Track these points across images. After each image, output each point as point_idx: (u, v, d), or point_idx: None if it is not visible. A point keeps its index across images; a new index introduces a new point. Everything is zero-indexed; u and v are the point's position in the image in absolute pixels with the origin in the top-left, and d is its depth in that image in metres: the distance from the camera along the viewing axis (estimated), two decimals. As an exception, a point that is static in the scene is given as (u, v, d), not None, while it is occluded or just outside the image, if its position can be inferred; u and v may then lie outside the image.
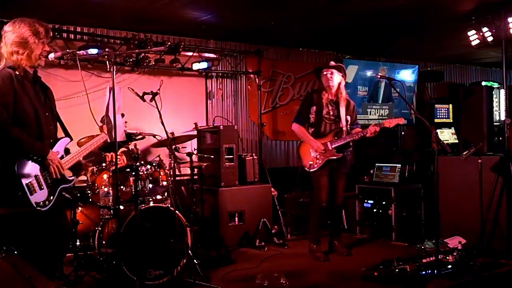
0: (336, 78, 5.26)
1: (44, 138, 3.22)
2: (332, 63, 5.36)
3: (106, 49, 3.46)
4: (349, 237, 6.28)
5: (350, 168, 5.42)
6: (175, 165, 5.32)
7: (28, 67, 3.21)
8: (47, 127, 3.26)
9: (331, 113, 5.26)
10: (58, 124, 3.47)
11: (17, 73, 3.13)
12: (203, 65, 6.63)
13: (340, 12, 5.85)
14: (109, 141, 3.66)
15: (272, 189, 6.41)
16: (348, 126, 5.29)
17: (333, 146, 5.17)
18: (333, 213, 5.46)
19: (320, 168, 5.19)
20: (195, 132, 6.10)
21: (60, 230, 3.57)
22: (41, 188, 3.14)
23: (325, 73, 5.28)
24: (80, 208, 4.76)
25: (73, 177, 3.43)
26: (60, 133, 3.45)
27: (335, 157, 5.17)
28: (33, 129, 3.16)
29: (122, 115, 3.88)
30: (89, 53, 3.61)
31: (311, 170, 5.23)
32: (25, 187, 3.03)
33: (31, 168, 3.11)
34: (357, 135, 5.17)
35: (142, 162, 4.69)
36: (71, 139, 3.46)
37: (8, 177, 3.01)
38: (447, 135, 7.55)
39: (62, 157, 3.31)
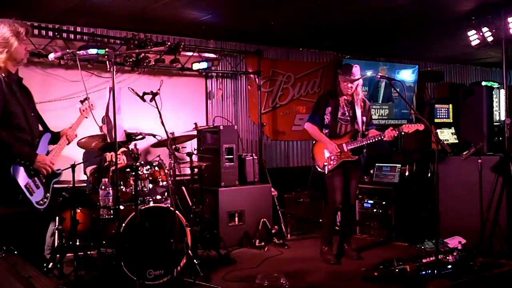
0: (355, 85, 5.09)
1: (34, 138, 3.29)
2: (356, 74, 5.05)
3: (106, 49, 3.48)
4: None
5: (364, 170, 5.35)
6: (175, 165, 5.32)
7: (11, 67, 3.25)
8: (35, 127, 3.35)
9: (347, 114, 5.13)
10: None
11: (3, 75, 3.17)
12: (203, 65, 6.62)
13: (340, 12, 5.85)
14: (109, 140, 3.69)
15: (272, 189, 6.41)
16: (364, 127, 5.18)
17: (348, 148, 5.06)
18: (344, 216, 5.39)
19: (334, 169, 5.09)
20: (195, 132, 6.10)
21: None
22: (38, 188, 3.23)
23: (345, 83, 5.07)
24: (80, 208, 4.76)
25: (60, 170, 3.54)
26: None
27: (350, 159, 5.08)
28: (25, 129, 3.23)
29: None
30: (89, 53, 3.62)
31: (325, 172, 5.11)
32: (24, 190, 3.09)
33: (25, 170, 3.16)
34: (374, 138, 5.02)
35: (142, 162, 4.69)
36: (51, 133, 3.55)
37: (6, 180, 3.06)
38: (447, 135, 7.54)
39: (48, 153, 3.41)
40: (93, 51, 3.94)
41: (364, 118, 5.20)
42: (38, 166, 3.24)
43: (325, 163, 5.12)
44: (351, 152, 5.07)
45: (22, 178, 3.13)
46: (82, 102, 3.98)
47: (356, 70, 5.11)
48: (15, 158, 3.14)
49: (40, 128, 3.52)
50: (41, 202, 3.22)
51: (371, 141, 5.05)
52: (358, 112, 5.14)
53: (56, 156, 3.49)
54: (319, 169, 5.19)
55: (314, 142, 5.30)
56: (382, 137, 4.97)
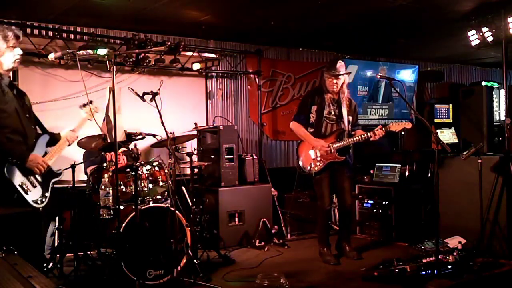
0: (340, 82, 5.07)
1: (28, 138, 3.34)
2: (340, 69, 5.03)
3: (107, 49, 3.51)
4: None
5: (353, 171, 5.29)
6: (175, 165, 5.31)
7: (4, 71, 3.33)
8: (29, 128, 3.41)
9: (333, 113, 5.08)
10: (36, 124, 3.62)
11: None
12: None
13: (340, 12, 5.85)
14: (109, 140, 3.70)
15: (272, 189, 6.41)
16: (350, 127, 5.14)
17: (334, 147, 5.01)
18: (343, 217, 5.35)
19: (320, 171, 5.04)
20: (195, 132, 6.10)
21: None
22: (34, 186, 3.27)
23: (330, 79, 5.03)
24: (80, 208, 4.76)
25: (60, 170, 3.61)
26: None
27: (337, 160, 5.04)
28: (19, 130, 3.29)
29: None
30: (89, 53, 3.63)
31: (312, 173, 5.06)
32: (19, 189, 3.12)
33: (19, 169, 3.21)
34: (360, 138, 4.96)
35: (142, 162, 4.69)
36: (49, 135, 3.59)
37: (0, 180, 3.10)
38: (447, 135, 7.54)
39: (45, 154, 3.46)
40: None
41: (350, 118, 5.14)
42: (30, 165, 3.30)
43: (311, 164, 5.05)
44: (337, 152, 5.02)
45: (17, 177, 3.18)
46: (84, 106, 3.98)
47: (341, 66, 5.06)
48: (7, 157, 3.18)
49: (39, 130, 3.57)
50: (38, 201, 3.26)
51: (357, 140, 4.99)
52: (344, 111, 5.08)
53: (53, 156, 3.54)
54: (305, 171, 5.12)
55: (299, 142, 5.24)
56: (370, 136, 4.93)
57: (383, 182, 6.45)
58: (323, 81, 5.14)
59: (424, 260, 4.46)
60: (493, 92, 6.84)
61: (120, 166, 4.53)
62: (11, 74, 3.53)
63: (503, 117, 6.40)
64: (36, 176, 3.34)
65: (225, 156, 6.05)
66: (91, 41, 5.97)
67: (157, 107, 4.26)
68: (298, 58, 7.91)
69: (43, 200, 3.32)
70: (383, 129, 4.90)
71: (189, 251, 4.50)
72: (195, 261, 4.55)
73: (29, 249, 3.14)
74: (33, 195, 3.25)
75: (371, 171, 6.68)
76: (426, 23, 6.49)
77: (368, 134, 4.95)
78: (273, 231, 6.10)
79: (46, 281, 2.31)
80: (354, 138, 5.00)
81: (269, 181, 6.49)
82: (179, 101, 6.70)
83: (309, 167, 5.08)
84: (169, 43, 6.26)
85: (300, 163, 5.17)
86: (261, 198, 6.20)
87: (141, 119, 5.75)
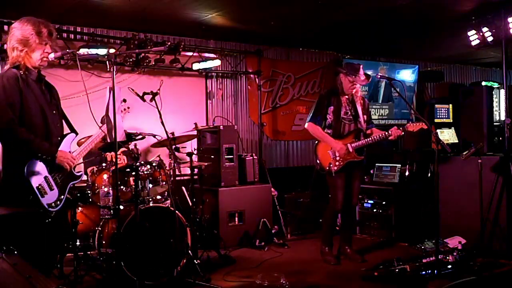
0: (359, 84, 5.08)
1: (52, 136, 3.26)
2: (362, 74, 5.03)
3: (109, 49, 3.48)
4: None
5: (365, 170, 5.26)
6: (175, 165, 5.32)
7: (31, 66, 3.23)
8: (54, 125, 3.30)
9: (349, 113, 5.06)
10: (64, 121, 3.52)
11: (21, 73, 3.16)
12: (206, 64, 6.61)
13: (340, 12, 5.85)
14: (109, 140, 3.68)
15: (272, 189, 6.41)
16: (365, 125, 5.10)
17: (354, 148, 4.96)
18: (345, 216, 5.30)
19: (339, 171, 4.98)
20: (195, 132, 6.10)
21: (61, 229, 3.60)
22: (51, 189, 3.17)
23: (353, 84, 5.00)
24: (80, 208, 4.76)
25: (80, 172, 3.48)
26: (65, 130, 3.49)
27: (355, 160, 5.00)
28: (40, 127, 3.20)
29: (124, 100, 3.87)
30: (89, 53, 3.61)
31: (332, 173, 4.96)
32: (36, 191, 3.05)
33: (40, 170, 3.13)
34: (379, 137, 4.92)
35: (142, 162, 4.69)
36: (77, 134, 3.52)
37: (18, 180, 3.04)
38: (447, 135, 7.54)
39: (70, 153, 3.37)
40: (93, 51, 3.94)
41: (365, 117, 5.13)
42: (60, 160, 3.19)
43: (330, 164, 4.99)
44: (356, 152, 5.01)
45: (36, 178, 3.08)
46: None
47: (362, 69, 5.05)
48: (35, 154, 3.09)
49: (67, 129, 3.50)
50: (53, 204, 3.16)
51: (375, 140, 4.95)
52: (360, 110, 5.08)
53: (80, 155, 3.44)
54: (324, 170, 5.05)
55: (316, 142, 5.16)
56: (388, 136, 4.89)
57: (383, 182, 6.46)
58: (340, 82, 5.07)
59: (424, 260, 4.47)
60: (493, 92, 6.86)
61: (120, 166, 4.53)
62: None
63: (503, 117, 6.40)
64: (57, 177, 3.23)
65: (225, 156, 6.05)
66: (91, 41, 5.97)
67: (157, 107, 4.26)
68: (298, 58, 7.90)
69: (59, 203, 3.21)
70: (401, 128, 4.87)
71: (189, 251, 4.51)
72: (195, 261, 4.54)
73: (30, 249, 3.10)
74: (49, 198, 3.14)
75: (371, 171, 6.69)
76: (426, 23, 6.49)
77: (386, 133, 4.90)
78: (273, 231, 6.10)
79: (46, 281, 2.31)
80: (372, 138, 4.97)
81: (269, 181, 6.49)
82: (179, 101, 6.70)
83: (328, 167, 5.00)
84: (169, 43, 6.26)
85: (320, 163, 5.08)
86: (261, 198, 6.20)
87: (141, 119, 5.75)
